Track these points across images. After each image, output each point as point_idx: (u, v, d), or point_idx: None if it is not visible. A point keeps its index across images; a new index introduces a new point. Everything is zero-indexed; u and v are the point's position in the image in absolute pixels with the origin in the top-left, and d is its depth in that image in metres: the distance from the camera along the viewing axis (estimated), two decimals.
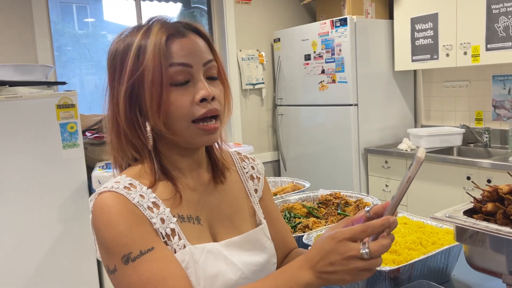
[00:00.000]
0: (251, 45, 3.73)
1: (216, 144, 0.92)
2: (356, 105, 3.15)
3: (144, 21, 0.85)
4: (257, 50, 3.76)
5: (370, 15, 3.32)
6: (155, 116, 0.79)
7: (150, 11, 3.55)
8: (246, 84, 3.70)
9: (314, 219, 1.34)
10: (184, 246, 0.80)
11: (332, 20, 3.16)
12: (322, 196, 1.56)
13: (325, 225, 1.32)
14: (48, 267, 2.21)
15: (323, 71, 3.30)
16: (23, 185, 2.15)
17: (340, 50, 3.14)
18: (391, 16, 3.36)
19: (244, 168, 1.00)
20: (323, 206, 1.50)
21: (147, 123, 0.82)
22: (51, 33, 2.86)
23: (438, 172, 2.76)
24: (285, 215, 1.43)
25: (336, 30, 3.14)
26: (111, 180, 0.82)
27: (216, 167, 0.92)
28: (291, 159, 3.73)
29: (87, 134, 2.67)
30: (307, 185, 1.74)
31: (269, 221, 0.97)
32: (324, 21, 3.23)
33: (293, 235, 1.21)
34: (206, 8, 3.77)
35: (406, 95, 3.46)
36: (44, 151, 2.19)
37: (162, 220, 0.79)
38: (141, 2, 3.43)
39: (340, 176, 3.26)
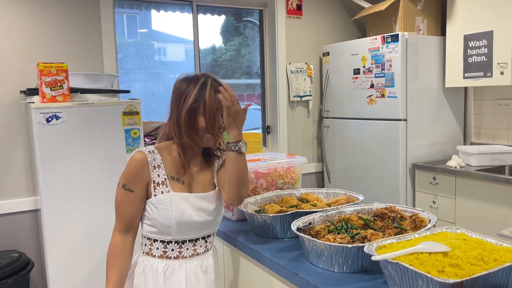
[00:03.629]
0: (300, 58, 3.82)
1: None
2: (405, 120, 3.16)
3: (198, 75, 1.45)
4: (306, 63, 3.84)
5: (421, 32, 3.34)
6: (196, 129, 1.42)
7: (204, 23, 3.71)
8: (294, 96, 3.78)
9: (372, 231, 1.40)
10: (168, 192, 1.40)
11: (383, 36, 3.20)
12: (377, 209, 1.61)
13: (383, 237, 1.37)
14: None
15: (372, 86, 3.34)
16: (91, 185, 2.32)
17: (390, 65, 3.18)
18: (443, 33, 3.36)
19: (216, 152, 1.54)
20: (379, 219, 1.56)
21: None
22: (116, 44, 3.06)
23: (488, 191, 2.73)
24: (342, 226, 1.50)
25: (387, 46, 3.18)
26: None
27: (207, 156, 1.53)
28: (335, 171, 3.78)
29: (146, 139, 2.83)
30: (361, 198, 1.79)
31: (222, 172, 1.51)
32: (375, 36, 3.28)
33: (352, 245, 1.28)
34: (256, 22, 3.90)
35: (456, 111, 3.44)
36: (109, 154, 2.36)
37: (158, 175, 1.41)
38: (198, 15, 3.59)
39: (386, 191, 3.28)
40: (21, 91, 2.64)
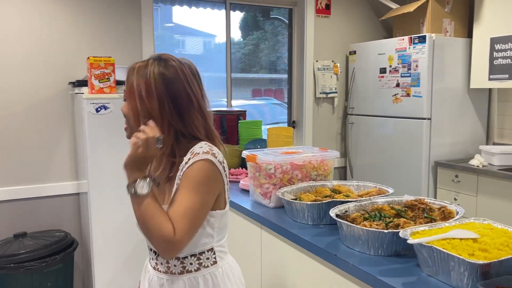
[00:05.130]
0: (327, 56, 3.94)
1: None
2: (429, 119, 3.27)
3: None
4: (333, 61, 3.96)
5: (448, 34, 3.43)
6: None
7: (235, 18, 3.85)
8: (320, 93, 3.91)
9: (404, 219, 1.53)
10: None
11: (411, 37, 3.30)
12: (408, 201, 1.74)
13: (414, 225, 1.50)
14: None
15: (397, 85, 3.44)
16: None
17: (416, 66, 3.28)
18: (469, 35, 3.45)
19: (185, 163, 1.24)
20: (409, 210, 1.69)
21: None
22: (154, 38, 3.22)
23: (510, 190, 2.83)
24: (375, 214, 1.63)
25: (414, 47, 3.28)
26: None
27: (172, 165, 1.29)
28: (358, 166, 3.90)
29: None
30: (391, 190, 1.92)
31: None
32: (402, 37, 3.38)
33: (387, 230, 1.41)
34: (285, 20, 4.03)
35: (479, 112, 3.52)
36: None
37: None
38: (231, 12, 3.73)
39: (408, 187, 3.39)
40: (69, 82, 2.82)
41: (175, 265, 1.29)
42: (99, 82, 2.48)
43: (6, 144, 2.74)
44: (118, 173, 2.50)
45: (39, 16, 2.79)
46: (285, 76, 4.08)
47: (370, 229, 1.43)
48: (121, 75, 2.67)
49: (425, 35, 3.20)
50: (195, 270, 1.28)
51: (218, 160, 1.24)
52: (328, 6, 3.88)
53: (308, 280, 1.67)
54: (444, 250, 1.18)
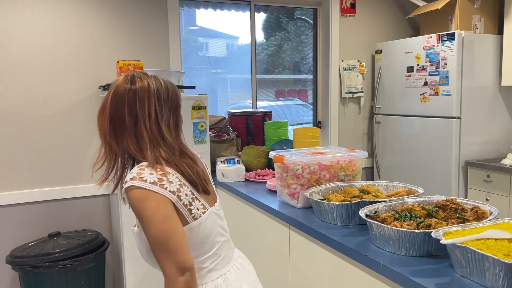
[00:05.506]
0: (352, 56, 3.91)
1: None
2: (459, 118, 3.20)
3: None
4: (358, 61, 3.93)
5: (478, 30, 3.35)
6: None
7: (258, 19, 3.87)
8: (346, 93, 3.88)
9: (436, 219, 1.51)
10: None
11: (439, 35, 3.24)
12: (438, 201, 1.72)
13: (446, 225, 1.48)
14: None
15: (425, 83, 3.39)
16: None
17: (445, 64, 3.22)
18: (500, 31, 3.36)
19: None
20: (440, 210, 1.66)
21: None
22: (180, 41, 3.27)
23: None
24: (406, 215, 1.61)
25: (443, 44, 3.22)
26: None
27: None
28: (385, 167, 3.85)
29: (209, 132, 3.03)
30: (421, 190, 1.90)
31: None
32: (430, 35, 3.32)
33: (418, 231, 1.40)
34: (309, 20, 4.02)
35: (511, 110, 3.43)
36: None
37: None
38: (256, 13, 3.75)
39: (437, 187, 3.33)
40: (99, 86, 2.90)
41: None
42: None
43: (41, 147, 2.84)
44: None
45: (69, 21, 2.88)
46: (309, 76, 4.07)
47: (401, 229, 1.41)
48: None
49: (454, 32, 3.14)
50: None
51: (150, 182, 1.19)
52: (353, 5, 3.85)
53: (338, 280, 1.67)
54: (478, 251, 1.16)
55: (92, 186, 2.98)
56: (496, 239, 1.22)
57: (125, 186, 1.21)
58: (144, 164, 1.25)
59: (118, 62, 2.52)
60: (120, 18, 3.02)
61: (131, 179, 1.20)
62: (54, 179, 2.88)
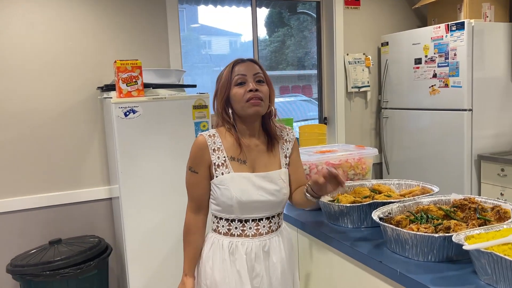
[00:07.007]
0: (358, 49, 3.79)
1: (272, 123, 1.57)
2: (470, 110, 3.08)
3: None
4: (364, 54, 3.81)
5: (488, 19, 3.23)
6: (231, 102, 1.50)
7: (260, 16, 3.76)
8: (352, 87, 3.77)
9: (455, 221, 1.40)
10: (229, 172, 1.47)
11: (448, 24, 3.12)
12: (456, 200, 1.61)
13: (466, 227, 1.38)
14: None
15: (435, 75, 3.27)
16: (165, 174, 2.45)
17: (455, 55, 3.10)
18: (511, 19, 3.23)
19: (283, 136, 1.61)
20: (458, 210, 1.56)
21: (229, 108, 1.51)
22: (180, 40, 3.18)
23: None
24: (422, 216, 1.51)
25: (452, 34, 3.10)
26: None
27: (269, 137, 1.56)
28: (395, 162, 3.74)
29: None
30: (436, 189, 1.79)
31: (292, 166, 1.61)
32: (438, 25, 3.20)
33: (437, 235, 1.30)
34: (312, 14, 3.90)
35: None
36: (181, 146, 2.48)
37: (218, 157, 1.48)
38: (257, 9, 3.65)
39: (449, 182, 3.21)
40: (98, 87, 2.81)
41: (275, 223, 1.56)
42: (127, 86, 2.45)
43: (39, 152, 2.76)
44: (149, 176, 2.49)
45: (65, 21, 2.79)
46: (313, 71, 3.96)
47: (418, 233, 1.31)
48: (148, 78, 2.64)
49: (463, 22, 3.02)
50: (277, 229, 1.59)
51: None
52: None
53: None
54: (507, 257, 1.06)
55: (93, 190, 2.90)
56: None
57: (292, 132, 1.65)
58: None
59: (115, 62, 2.43)
60: (117, 17, 2.92)
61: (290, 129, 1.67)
62: (54, 184, 2.80)
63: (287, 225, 1.69)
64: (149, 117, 2.42)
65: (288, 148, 1.60)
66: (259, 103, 1.46)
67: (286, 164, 1.58)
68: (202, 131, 2.59)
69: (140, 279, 2.46)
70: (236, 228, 1.50)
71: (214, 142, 1.49)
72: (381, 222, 1.42)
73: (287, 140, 1.61)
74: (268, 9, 3.84)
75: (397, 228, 1.36)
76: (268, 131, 1.57)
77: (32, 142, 2.74)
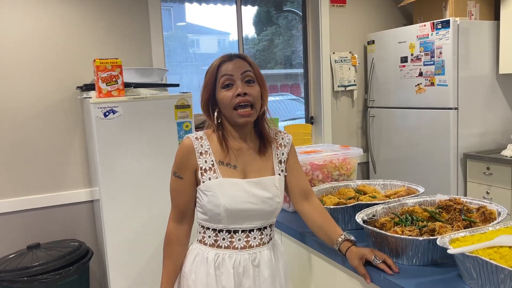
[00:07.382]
0: (344, 48, 3.76)
1: (265, 124, 1.45)
2: (456, 108, 3.07)
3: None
4: (350, 52, 3.78)
5: (474, 17, 3.22)
6: (218, 105, 1.38)
7: (246, 14, 3.71)
8: (338, 86, 3.74)
9: (440, 223, 1.37)
10: (217, 178, 1.34)
11: (433, 22, 3.10)
12: (441, 201, 1.58)
13: (451, 229, 1.35)
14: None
15: (420, 74, 3.25)
16: (147, 176, 2.39)
17: (440, 53, 3.08)
18: (496, 17, 3.23)
19: (277, 140, 1.49)
20: (444, 211, 1.52)
21: (215, 109, 1.40)
22: (163, 38, 3.11)
23: None
24: (407, 218, 1.48)
25: (437, 33, 3.08)
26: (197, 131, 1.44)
27: (262, 141, 1.44)
28: (381, 161, 3.72)
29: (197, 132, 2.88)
30: (421, 190, 1.76)
31: (292, 172, 1.48)
32: (423, 23, 3.18)
33: (422, 238, 1.26)
34: (298, 12, 3.86)
35: (510, 99, 3.30)
36: (163, 147, 2.42)
37: (205, 161, 1.36)
38: (242, 7, 3.60)
39: (435, 181, 3.20)
40: (77, 87, 2.74)
41: (267, 234, 1.42)
42: (107, 85, 2.38)
43: (17, 153, 2.67)
44: (129, 178, 2.42)
45: (44, 19, 2.71)
46: (301, 70, 3.92)
47: (403, 236, 1.28)
48: (129, 77, 2.57)
49: (448, 20, 3.00)
50: (269, 242, 1.44)
51: None
52: None
53: None
54: (492, 262, 1.03)
55: (74, 192, 2.82)
56: (510, 247, 1.08)
57: (288, 136, 1.52)
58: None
59: (94, 60, 2.36)
60: (98, 15, 2.85)
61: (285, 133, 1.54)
62: (33, 187, 2.72)
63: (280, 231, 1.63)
64: (129, 117, 2.36)
65: (283, 153, 1.47)
66: (249, 114, 1.34)
67: (281, 170, 1.45)
68: (186, 131, 2.54)
69: (121, 284, 2.40)
70: (223, 239, 1.36)
71: (201, 145, 1.37)
72: (364, 225, 1.38)
73: (282, 144, 1.48)
74: (255, 8, 3.80)
75: (380, 231, 1.32)
76: (261, 132, 1.45)
77: (9, 143, 2.65)
